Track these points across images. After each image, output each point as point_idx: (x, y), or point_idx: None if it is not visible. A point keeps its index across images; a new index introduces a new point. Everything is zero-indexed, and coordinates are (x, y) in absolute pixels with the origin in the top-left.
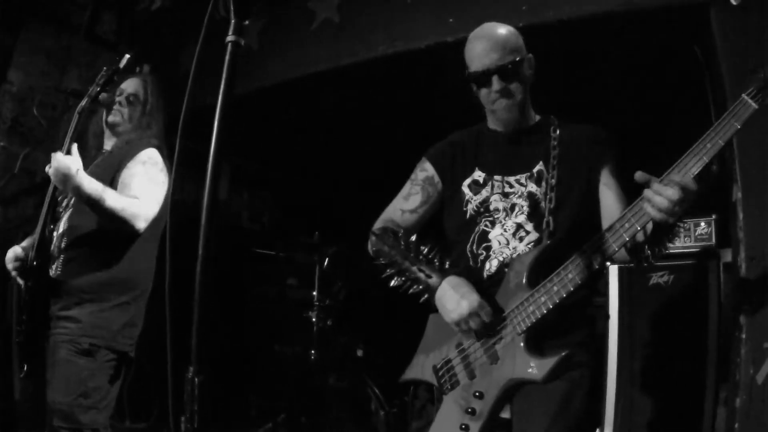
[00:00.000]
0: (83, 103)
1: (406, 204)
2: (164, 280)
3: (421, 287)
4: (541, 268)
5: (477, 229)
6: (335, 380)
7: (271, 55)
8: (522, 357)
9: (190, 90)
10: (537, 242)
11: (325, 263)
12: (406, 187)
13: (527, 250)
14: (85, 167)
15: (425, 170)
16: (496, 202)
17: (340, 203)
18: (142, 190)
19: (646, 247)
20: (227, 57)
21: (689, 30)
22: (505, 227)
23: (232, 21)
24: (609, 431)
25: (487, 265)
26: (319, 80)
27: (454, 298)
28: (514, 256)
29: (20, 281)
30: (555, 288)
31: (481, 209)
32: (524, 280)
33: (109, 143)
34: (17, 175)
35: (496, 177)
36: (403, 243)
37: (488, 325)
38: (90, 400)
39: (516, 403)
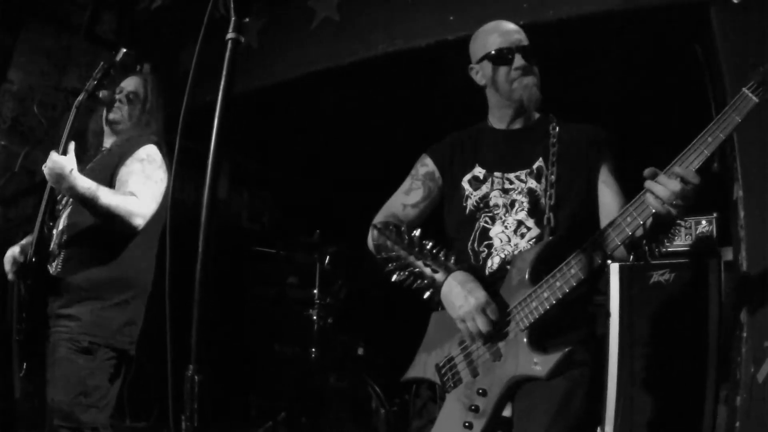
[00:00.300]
0: (80, 97)
1: (408, 198)
2: (164, 279)
3: (425, 282)
4: (544, 264)
5: (477, 225)
6: (336, 379)
7: (271, 54)
8: (525, 354)
9: (189, 88)
10: (538, 238)
11: (326, 262)
12: (407, 182)
13: (529, 246)
14: (85, 165)
15: (426, 165)
16: (496, 198)
17: (340, 202)
18: (139, 187)
19: (644, 243)
20: (227, 54)
21: (689, 29)
22: (505, 224)
23: (232, 19)
24: (609, 430)
25: (489, 263)
26: (319, 79)
27: (462, 294)
28: (516, 252)
29: (19, 281)
30: (558, 284)
31: (481, 205)
32: (527, 277)
33: (108, 141)
34: (17, 174)
35: (496, 173)
36: (406, 238)
37: (494, 324)
38: (90, 398)
39: (517, 402)
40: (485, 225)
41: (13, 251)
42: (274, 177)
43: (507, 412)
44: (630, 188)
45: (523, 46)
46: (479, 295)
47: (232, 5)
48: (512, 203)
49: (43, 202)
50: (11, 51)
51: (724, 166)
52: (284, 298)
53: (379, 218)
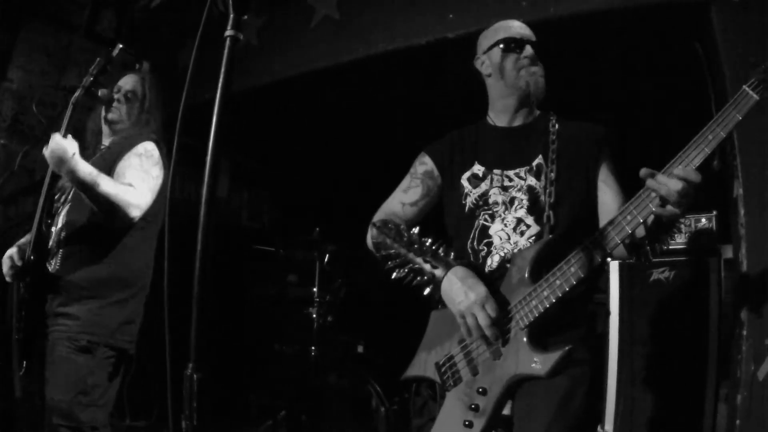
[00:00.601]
0: (77, 93)
1: (406, 197)
2: (164, 278)
3: (426, 278)
4: (543, 262)
5: (477, 223)
6: (336, 378)
7: (271, 52)
8: (525, 352)
9: (188, 86)
10: (538, 236)
11: (326, 260)
12: (406, 181)
13: (528, 244)
14: None
15: (424, 164)
16: (495, 196)
17: (339, 200)
18: (137, 179)
19: (646, 242)
20: (225, 52)
21: (690, 27)
22: (505, 222)
23: (231, 16)
24: (610, 428)
25: (489, 261)
26: (319, 77)
27: (462, 290)
28: (516, 250)
29: (17, 282)
30: (558, 282)
31: (480, 202)
32: (527, 275)
33: (107, 140)
34: (17, 173)
35: (495, 171)
36: (405, 235)
37: (494, 319)
38: (89, 397)
39: (517, 400)
40: (485, 223)
41: (11, 252)
42: (273, 175)
43: (507, 411)
44: (630, 187)
45: (533, 41)
46: (479, 290)
47: (230, 2)
48: (512, 201)
49: (41, 200)
50: (11, 50)
51: (724, 163)
52: (284, 297)
53: (378, 217)
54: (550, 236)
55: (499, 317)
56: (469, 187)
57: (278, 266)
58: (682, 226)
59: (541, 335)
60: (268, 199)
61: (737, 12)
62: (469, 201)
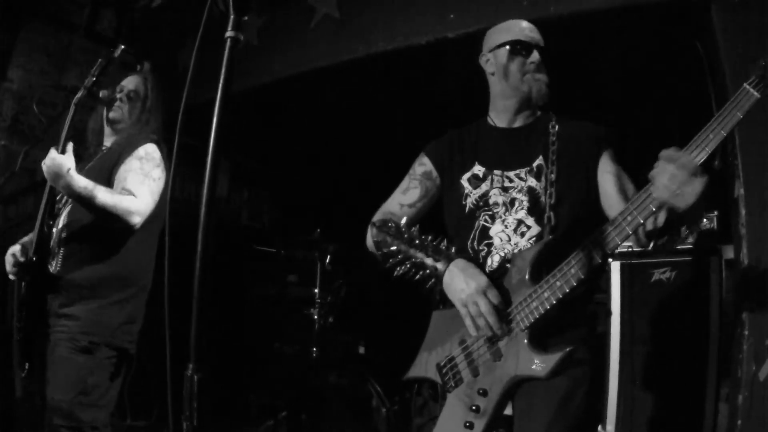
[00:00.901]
0: (79, 94)
1: (405, 198)
2: (164, 278)
3: (428, 272)
4: (544, 263)
5: (477, 224)
6: (336, 378)
7: (272, 51)
8: (526, 353)
9: (188, 86)
10: (538, 237)
11: (326, 261)
12: (405, 182)
13: (529, 245)
14: (86, 164)
15: (423, 164)
16: (496, 197)
17: (340, 200)
18: (137, 185)
19: (662, 235)
20: (226, 52)
21: (690, 26)
22: (505, 223)
23: (231, 17)
24: (611, 428)
25: (489, 261)
26: (319, 77)
27: (463, 280)
28: (516, 251)
29: (19, 281)
30: (558, 283)
31: (480, 203)
32: (527, 276)
33: (109, 140)
34: (17, 174)
35: (496, 171)
36: (406, 233)
37: (496, 308)
38: (90, 397)
39: (518, 400)
40: (485, 224)
41: (14, 250)
42: (274, 175)
43: (508, 410)
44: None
45: (541, 46)
46: (480, 279)
47: (231, 3)
48: (512, 202)
49: (43, 201)
50: (11, 50)
51: (725, 163)
52: (284, 297)
53: (377, 217)
54: (550, 237)
55: (500, 304)
56: (469, 187)
57: (279, 266)
58: (704, 219)
59: (541, 336)
60: (268, 199)
61: (737, 11)
62: (470, 202)
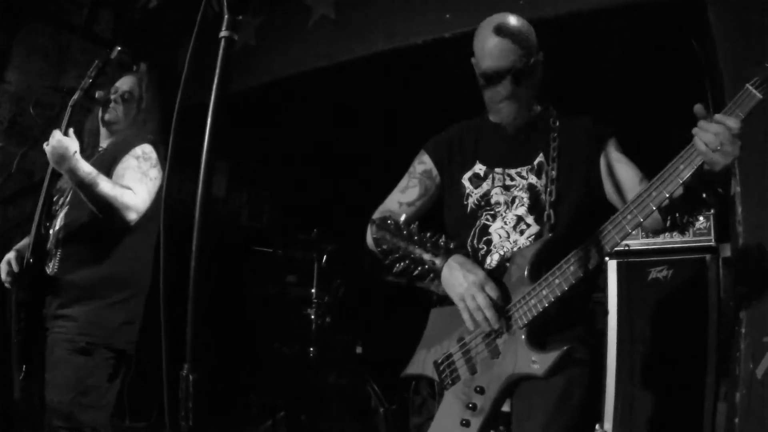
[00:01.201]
0: (76, 96)
1: (404, 197)
2: (160, 278)
3: (426, 267)
4: (543, 261)
5: (478, 223)
6: (335, 378)
7: (270, 51)
8: (524, 351)
9: (182, 87)
10: (538, 235)
11: (324, 260)
12: (404, 180)
13: (528, 243)
14: None
15: (423, 163)
16: (497, 195)
17: (339, 200)
18: (136, 182)
19: (677, 214)
20: (221, 52)
21: (687, 24)
22: (505, 220)
23: (226, 17)
24: (609, 427)
25: (488, 260)
26: (317, 77)
27: (460, 273)
28: (515, 249)
29: (15, 286)
30: (557, 281)
31: (482, 203)
32: (526, 274)
33: (105, 141)
34: (15, 175)
35: (497, 170)
36: (405, 229)
37: (494, 301)
38: (89, 398)
39: (516, 399)
40: (486, 222)
41: (9, 257)
42: (273, 175)
43: (506, 408)
44: None
45: (515, 69)
46: (478, 272)
47: (225, 3)
48: (513, 200)
49: (40, 202)
50: (9, 51)
51: None
52: (284, 297)
53: (376, 215)
54: (550, 235)
55: (499, 298)
56: (471, 187)
57: (278, 266)
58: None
59: (539, 334)
60: (267, 198)
61: (733, 11)
62: (471, 201)
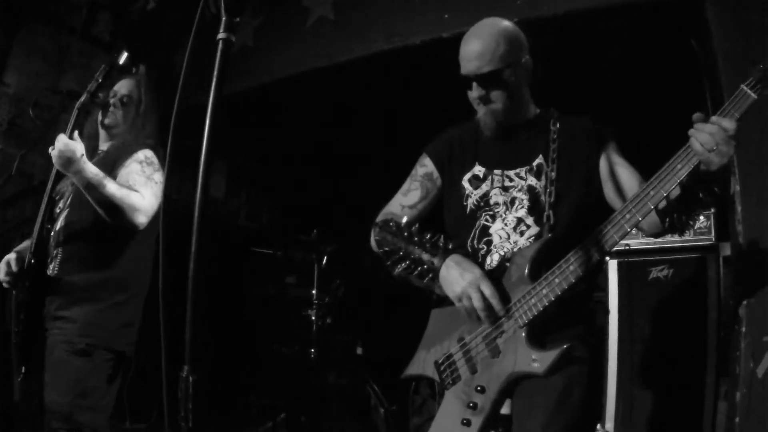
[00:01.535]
0: (82, 98)
1: (406, 200)
2: (159, 279)
3: (425, 267)
4: (543, 261)
5: (478, 223)
6: (335, 378)
7: (268, 53)
8: (524, 350)
9: (180, 89)
10: (537, 236)
11: (324, 261)
12: (407, 183)
13: (528, 244)
14: None
15: (424, 166)
16: (497, 196)
17: (338, 200)
18: (141, 186)
19: (675, 215)
20: (218, 54)
21: (686, 24)
22: (505, 221)
23: (223, 18)
24: (610, 426)
25: (488, 260)
26: (316, 78)
27: (458, 273)
28: (515, 250)
29: (16, 287)
30: (556, 281)
31: (482, 203)
32: (526, 273)
33: (104, 144)
34: (14, 177)
35: (496, 171)
36: (405, 231)
37: (490, 305)
38: (88, 400)
39: (516, 399)
40: (485, 223)
41: (9, 258)
42: (272, 175)
43: (506, 410)
44: None
45: (480, 74)
46: (475, 272)
47: (222, 4)
48: (512, 201)
49: (43, 203)
50: (8, 52)
51: None
52: (284, 298)
53: (379, 218)
54: (550, 235)
55: (495, 296)
56: (470, 188)
57: (277, 267)
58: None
59: (539, 333)
60: (266, 199)
61: (732, 9)
62: (471, 202)
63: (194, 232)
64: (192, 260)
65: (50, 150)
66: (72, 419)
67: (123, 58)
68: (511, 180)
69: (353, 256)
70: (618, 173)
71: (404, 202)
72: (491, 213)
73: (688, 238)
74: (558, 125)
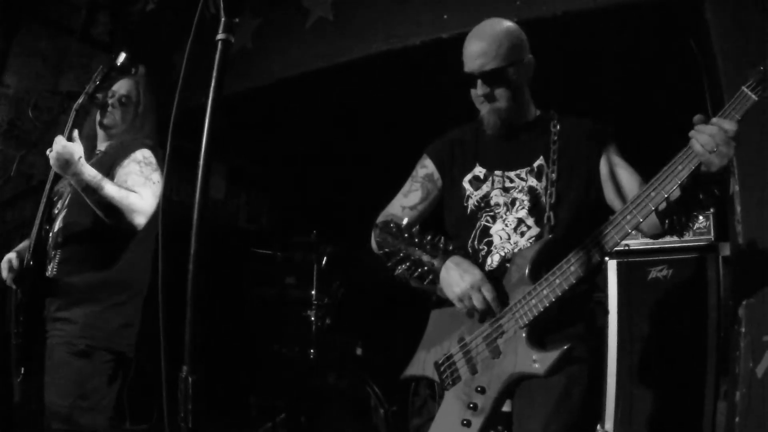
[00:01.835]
0: (81, 100)
1: (406, 201)
2: (158, 280)
3: (425, 269)
4: (543, 262)
5: (478, 224)
6: (335, 379)
7: (267, 54)
8: (524, 351)
9: (180, 90)
10: (538, 237)
11: (323, 262)
12: (407, 184)
13: (528, 245)
14: None
15: (425, 167)
16: (497, 197)
17: (338, 201)
18: (140, 186)
19: (675, 216)
20: (217, 55)
21: (685, 24)
22: (506, 222)
23: (222, 19)
24: (609, 426)
25: (489, 260)
26: (315, 79)
27: (457, 274)
28: (516, 250)
29: (16, 287)
30: (557, 281)
31: (482, 204)
32: (526, 274)
33: (102, 145)
34: (13, 178)
35: (497, 172)
36: (406, 232)
37: (490, 307)
38: (88, 401)
39: (516, 399)
40: (486, 224)
41: (10, 256)
42: (271, 177)
43: (506, 408)
44: None
45: (484, 72)
46: (475, 273)
47: (221, 5)
48: (513, 201)
49: (41, 206)
50: (7, 54)
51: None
52: (283, 299)
53: (380, 219)
54: (550, 236)
55: (495, 299)
56: (471, 189)
57: (277, 268)
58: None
59: (540, 334)
60: (266, 200)
61: (732, 10)
62: (471, 203)
63: (193, 233)
64: (191, 261)
65: (48, 152)
66: (72, 420)
67: (121, 58)
68: (511, 181)
69: (353, 257)
70: (618, 174)
71: (405, 203)
72: (492, 214)
73: (688, 239)
74: (559, 127)
